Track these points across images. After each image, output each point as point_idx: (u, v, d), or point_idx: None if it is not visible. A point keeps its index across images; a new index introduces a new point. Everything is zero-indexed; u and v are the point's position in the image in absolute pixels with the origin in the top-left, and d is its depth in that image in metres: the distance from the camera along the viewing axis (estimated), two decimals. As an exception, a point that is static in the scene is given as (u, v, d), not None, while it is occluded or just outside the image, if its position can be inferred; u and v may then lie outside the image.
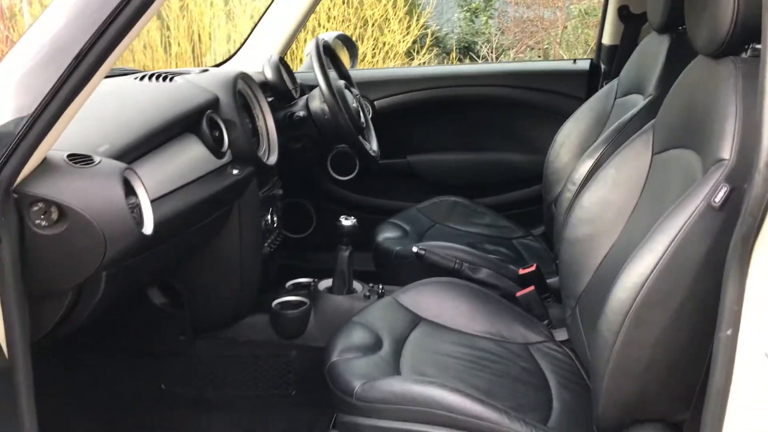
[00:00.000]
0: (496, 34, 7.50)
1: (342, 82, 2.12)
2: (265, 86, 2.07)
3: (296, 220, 2.57)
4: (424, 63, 6.65)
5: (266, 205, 1.91)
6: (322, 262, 2.16)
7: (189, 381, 1.86)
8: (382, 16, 6.27)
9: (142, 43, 5.76)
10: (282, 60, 2.21)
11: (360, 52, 6.10)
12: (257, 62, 2.22)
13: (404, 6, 6.46)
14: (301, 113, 2.02)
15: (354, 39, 6.12)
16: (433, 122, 2.63)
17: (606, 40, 2.47)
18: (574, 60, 2.65)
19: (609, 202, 1.51)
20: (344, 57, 2.76)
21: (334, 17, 6.12)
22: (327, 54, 2.22)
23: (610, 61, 2.45)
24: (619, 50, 2.40)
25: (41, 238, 1.13)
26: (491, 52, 7.16)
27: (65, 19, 1.07)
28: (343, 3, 6.18)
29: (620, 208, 1.49)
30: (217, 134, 1.64)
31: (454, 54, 6.90)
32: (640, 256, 1.13)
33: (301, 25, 2.41)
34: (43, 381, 1.20)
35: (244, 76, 1.84)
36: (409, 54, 6.44)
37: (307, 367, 1.84)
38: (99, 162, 1.17)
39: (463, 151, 2.65)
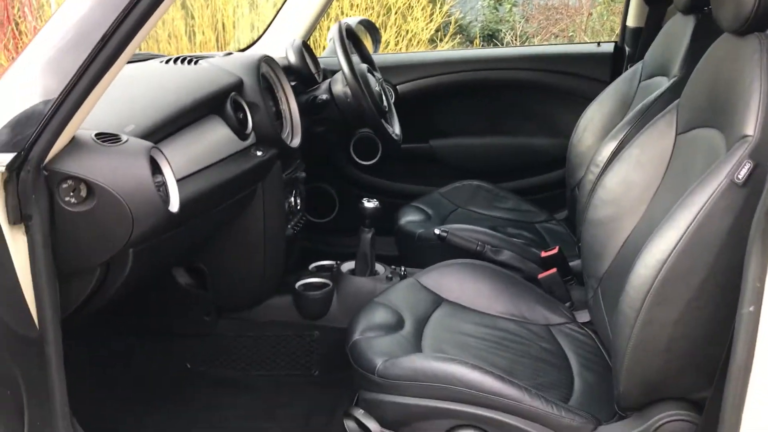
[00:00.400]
0: (521, 22, 7.44)
1: (365, 66, 2.13)
2: (288, 70, 2.09)
3: (319, 204, 2.59)
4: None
5: (289, 187, 1.92)
6: (345, 245, 2.18)
7: (214, 360, 1.89)
8: (405, 3, 6.25)
9: (167, 32, 5.81)
10: (305, 44, 2.22)
11: (383, 39, 6.10)
12: (280, 47, 2.24)
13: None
14: (324, 96, 2.03)
15: (379, 26, 6.12)
16: (456, 106, 2.63)
17: (630, 22, 2.44)
18: (598, 43, 2.62)
19: (632, 182, 1.51)
20: (367, 42, 2.77)
21: (357, 5, 6.13)
22: (350, 38, 2.22)
23: (634, 44, 2.42)
24: (643, 32, 2.38)
25: (70, 215, 1.15)
26: (515, 40, 7.11)
27: (89, 3, 1.09)
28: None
29: (643, 189, 1.48)
30: (241, 116, 1.66)
31: (477, 42, 6.86)
32: (662, 233, 1.13)
33: (324, 9, 2.42)
34: (71, 360, 1.23)
35: (267, 60, 1.85)
36: (432, 42, 6.41)
37: (330, 347, 1.86)
38: (126, 140, 1.20)
39: (486, 135, 2.64)
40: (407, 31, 6.21)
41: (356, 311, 1.58)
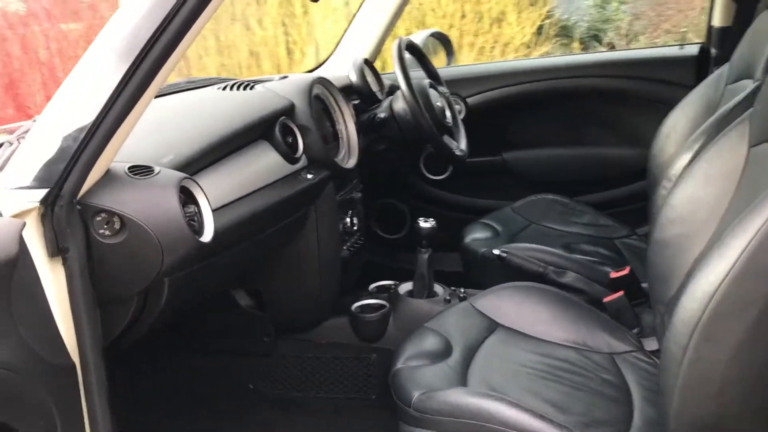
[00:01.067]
0: (630, 20, 7.13)
1: (427, 81, 2.09)
2: (350, 89, 2.08)
3: (390, 220, 2.56)
4: (547, 53, 6.48)
5: (345, 208, 1.91)
6: (414, 262, 2.13)
7: (273, 381, 1.90)
8: (499, 9, 6.15)
9: (268, 49, 5.98)
10: (367, 62, 2.21)
11: (477, 46, 6.02)
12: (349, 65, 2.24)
13: (523, -4, 6.28)
14: (382, 115, 2.00)
15: (472, 34, 6.05)
16: (529, 117, 2.53)
17: (716, 21, 2.26)
18: (681, 45, 2.45)
19: (700, 200, 1.38)
20: (441, 55, 2.72)
21: (451, 14, 6.10)
22: (413, 53, 2.19)
23: (721, 45, 2.24)
24: (731, 32, 2.19)
25: (105, 247, 1.18)
26: (621, 39, 6.82)
27: (117, 37, 1.12)
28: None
29: (712, 207, 1.36)
30: (290, 140, 1.66)
31: (576, 44, 6.60)
32: (711, 261, 1.02)
33: (393, 23, 2.39)
34: (131, 381, 1.25)
35: (322, 81, 1.85)
36: (528, 47, 6.26)
37: (387, 370, 1.82)
38: (158, 173, 1.21)
39: (562, 147, 2.53)
40: (502, 36, 6.10)
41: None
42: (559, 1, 7.57)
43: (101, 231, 1.18)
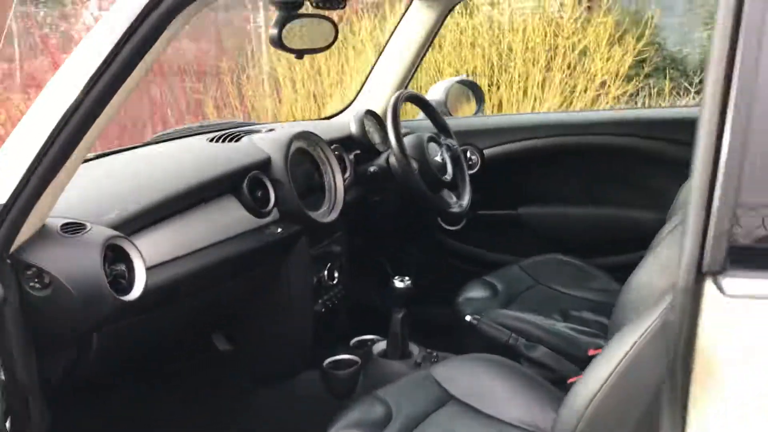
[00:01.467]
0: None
1: (427, 135, 2.06)
2: (350, 141, 2.09)
3: (406, 269, 2.54)
4: (639, 88, 6.29)
5: (323, 261, 1.90)
6: (422, 313, 2.09)
7: (246, 428, 1.91)
8: (587, 45, 5.99)
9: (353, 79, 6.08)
10: (372, 113, 2.21)
11: (561, 81, 5.88)
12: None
13: (618, 29, 6.08)
14: (371, 169, 2.00)
15: (557, 69, 5.91)
16: (548, 173, 2.44)
17: (744, 82, 2.10)
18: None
19: (653, 288, 1.29)
20: (471, 102, 2.68)
21: (533, 48, 6.01)
22: (420, 105, 2.18)
23: (749, 107, 2.07)
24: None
25: (36, 299, 1.24)
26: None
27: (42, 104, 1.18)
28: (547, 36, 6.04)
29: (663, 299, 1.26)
30: (260, 194, 1.68)
31: (667, 87, 6.25)
32: (594, 367, 0.95)
33: (410, 73, 2.38)
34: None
35: (305, 135, 1.85)
36: (627, 78, 6.03)
37: None
38: (89, 230, 1.26)
39: (581, 205, 2.41)
40: (589, 70, 5.93)
41: None
42: (669, 32, 7.29)
43: (32, 284, 1.24)
